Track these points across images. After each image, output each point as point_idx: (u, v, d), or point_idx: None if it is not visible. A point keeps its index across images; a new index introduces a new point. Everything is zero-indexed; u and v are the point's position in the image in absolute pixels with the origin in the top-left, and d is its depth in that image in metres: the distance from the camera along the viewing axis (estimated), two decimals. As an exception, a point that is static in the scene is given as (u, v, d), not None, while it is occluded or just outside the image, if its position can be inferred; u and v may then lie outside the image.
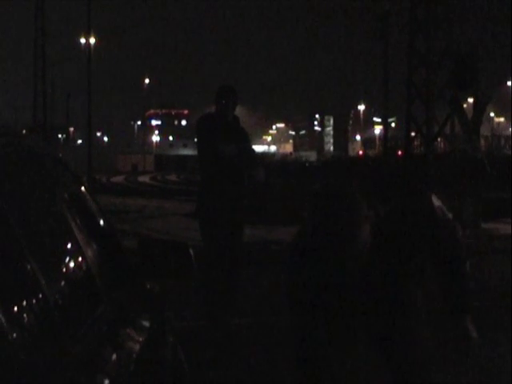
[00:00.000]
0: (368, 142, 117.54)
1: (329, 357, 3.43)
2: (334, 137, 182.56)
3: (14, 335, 1.78)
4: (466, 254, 3.64)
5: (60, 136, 79.67)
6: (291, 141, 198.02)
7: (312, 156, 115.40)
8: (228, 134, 7.91)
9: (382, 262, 3.43)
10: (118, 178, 61.12)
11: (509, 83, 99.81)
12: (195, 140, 8.26)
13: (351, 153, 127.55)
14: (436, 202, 3.61)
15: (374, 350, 3.63)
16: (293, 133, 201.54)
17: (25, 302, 1.98)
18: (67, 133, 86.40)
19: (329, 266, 3.31)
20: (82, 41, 47.44)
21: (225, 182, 7.78)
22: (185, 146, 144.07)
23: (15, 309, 1.90)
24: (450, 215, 3.65)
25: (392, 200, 3.48)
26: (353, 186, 3.22)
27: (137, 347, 2.84)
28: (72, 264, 2.63)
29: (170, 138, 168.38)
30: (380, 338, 3.58)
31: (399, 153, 23.14)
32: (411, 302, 3.63)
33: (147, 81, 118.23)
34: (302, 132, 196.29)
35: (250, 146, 8.42)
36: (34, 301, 2.03)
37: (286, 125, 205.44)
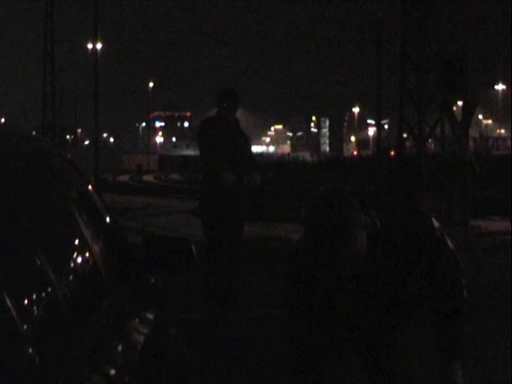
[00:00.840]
0: (362, 142, 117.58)
1: (325, 366, 3.27)
2: (330, 138, 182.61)
3: (24, 327, 1.78)
4: (465, 291, 3.30)
5: (68, 137, 79.67)
6: (289, 142, 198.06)
7: (305, 156, 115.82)
8: (229, 136, 7.91)
9: (375, 283, 3.18)
10: (124, 177, 61.08)
11: (496, 87, 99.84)
12: (198, 143, 8.23)
13: (346, 153, 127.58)
14: (436, 223, 3.24)
15: (361, 363, 3.43)
16: (290, 134, 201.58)
17: (34, 296, 1.98)
18: (75, 134, 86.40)
19: (325, 278, 3.11)
20: (89, 46, 47.48)
21: (226, 185, 7.77)
22: (187, 146, 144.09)
23: (25, 302, 1.90)
24: (451, 244, 3.28)
25: (387, 207, 3.20)
26: (349, 192, 2.99)
27: (141, 339, 2.84)
28: (79, 259, 2.63)
29: (173, 139, 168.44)
30: (369, 353, 3.38)
31: (392, 153, 23.13)
32: (401, 335, 3.36)
33: (151, 84, 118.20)
34: (300, 133, 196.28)
35: (250, 151, 8.43)
36: (43, 294, 2.03)
37: (284, 126, 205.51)
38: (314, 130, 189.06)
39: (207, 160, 7.98)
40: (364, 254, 2.96)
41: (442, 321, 3.24)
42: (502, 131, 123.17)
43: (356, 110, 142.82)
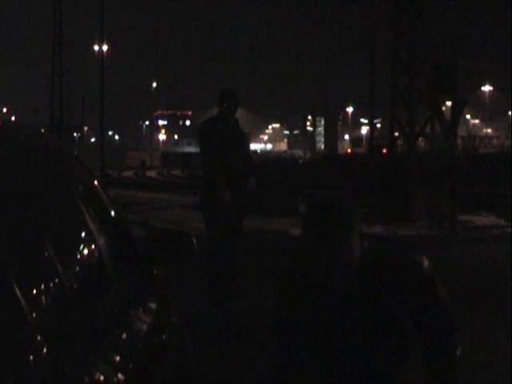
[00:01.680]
0: (356, 141, 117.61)
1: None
2: (325, 136, 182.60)
3: (33, 316, 1.78)
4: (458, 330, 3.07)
5: (75, 134, 79.54)
6: (286, 140, 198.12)
7: (299, 153, 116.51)
8: (229, 135, 7.92)
9: (362, 309, 2.97)
10: (128, 173, 61.09)
11: (483, 88, 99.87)
12: (199, 142, 8.24)
13: (340, 151, 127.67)
14: (427, 262, 3.01)
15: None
16: (287, 132, 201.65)
17: (42, 286, 1.98)
18: (82, 132, 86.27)
19: (316, 289, 2.95)
20: (96, 48, 47.46)
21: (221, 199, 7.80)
22: (188, 144, 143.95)
23: (34, 292, 1.90)
24: (442, 287, 3.05)
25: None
26: (350, 199, 2.88)
27: (144, 327, 2.84)
28: (85, 251, 2.63)
29: (175, 136, 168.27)
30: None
31: (384, 151, 23.15)
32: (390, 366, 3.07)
33: (154, 84, 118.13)
34: (296, 132, 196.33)
35: (248, 151, 8.48)
36: (50, 284, 2.03)
37: (281, 125, 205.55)
38: (309, 128, 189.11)
39: (207, 159, 8.00)
40: (355, 264, 2.87)
41: (434, 350, 3.03)
42: (489, 130, 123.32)
43: (350, 109, 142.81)
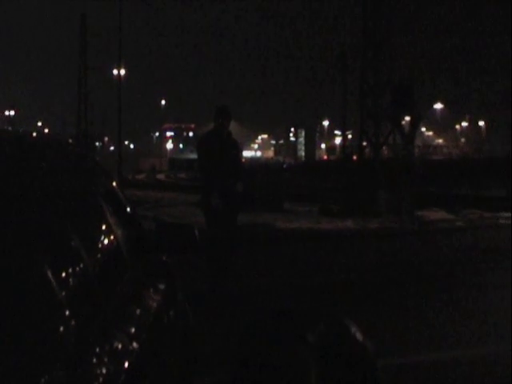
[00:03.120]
0: (331, 149, 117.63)
1: None
2: (305, 145, 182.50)
3: (62, 294, 1.79)
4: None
5: (97, 144, 79.35)
6: (272, 148, 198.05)
7: (280, 159, 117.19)
8: (223, 147, 7.95)
9: None
10: (141, 176, 60.89)
11: (435, 106, 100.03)
12: (197, 153, 8.30)
13: (317, 157, 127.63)
14: (361, 336, 2.03)
15: None
16: (274, 142, 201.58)
17: (70, 270, 1.99)
18: (102, 141, 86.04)
19: None
20: (115, 72, 47.27)
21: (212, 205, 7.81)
22: (191, 151, 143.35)
23: (63, 275, 1.90)
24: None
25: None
26: None
27: (154, 304, 2.84)
28: (106, 240, 2.63)
29: (181, 145, 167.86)
30: None
31: (354, 157, 23.16)
32: None
33: (163, 102, 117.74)
34: (281, 141, 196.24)
35: (240, 160, 8.48)
36: (77, 268, 2.03)
37: (269, 135, 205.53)
38: (292, 138, 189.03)
39: (203, 168, 8.05)
40: None
41: None
42: (440, 140, 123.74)
43: (326, 122, 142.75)
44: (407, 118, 19.23)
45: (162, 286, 3.22)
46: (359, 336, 2.04)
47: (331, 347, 1.95)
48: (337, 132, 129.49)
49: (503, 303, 7.03)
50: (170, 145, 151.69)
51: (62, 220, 2.05)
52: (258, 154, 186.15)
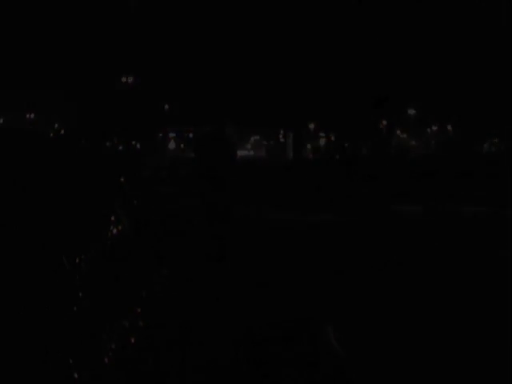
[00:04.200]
0: (316, 149, 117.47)
1: None
2: (293, 145, 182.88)
3: (76, 277, 1.79)
4: None
5: (107, 143, 79.20)
6: (264, 148, 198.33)
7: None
8: (218, 147, 7.94)
9: None
10: (146, 173, 60.67)
11: (409, 111, 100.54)
12: (194, 153, 8.32)
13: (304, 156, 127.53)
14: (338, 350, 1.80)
15: None
16: (265, 143, 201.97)
17: (83, 255, 1.98)
18: (112, 141, 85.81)
19: None
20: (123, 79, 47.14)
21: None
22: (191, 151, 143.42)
23: (76, 260, 1.90)
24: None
25: None
26: None
27: (158, 287, 2.83)
28: (115, 230, 2.62)
29: (181, 145, 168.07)
30: None
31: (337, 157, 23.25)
32: None
33: (166, 106, 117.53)
34: (271, 142, 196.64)
35: (235, 160, 8.46)
36: (88, 253, 2.03)
37: (261, 137, 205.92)
38: (282, 139, 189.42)
39: (200, 167, 8.05)
40: None
41: None
42: (413, 142, 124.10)
43: (312, 126, 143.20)
44: (384, 122, 19.28)
45: (164, 270, 3.21)
46: (336, 347, 1.95)
47: (311, 358, 1.91)
48: (321, 134, 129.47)
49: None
50: (172, 144, 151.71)
51: (81, 212, 2.04)
52: (251, 152, 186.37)
